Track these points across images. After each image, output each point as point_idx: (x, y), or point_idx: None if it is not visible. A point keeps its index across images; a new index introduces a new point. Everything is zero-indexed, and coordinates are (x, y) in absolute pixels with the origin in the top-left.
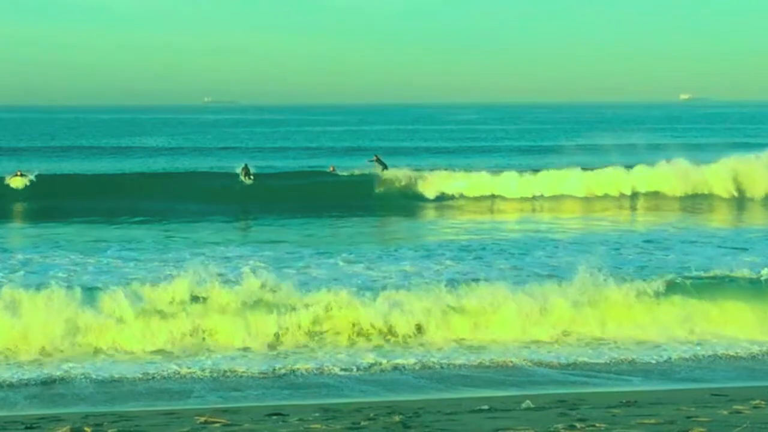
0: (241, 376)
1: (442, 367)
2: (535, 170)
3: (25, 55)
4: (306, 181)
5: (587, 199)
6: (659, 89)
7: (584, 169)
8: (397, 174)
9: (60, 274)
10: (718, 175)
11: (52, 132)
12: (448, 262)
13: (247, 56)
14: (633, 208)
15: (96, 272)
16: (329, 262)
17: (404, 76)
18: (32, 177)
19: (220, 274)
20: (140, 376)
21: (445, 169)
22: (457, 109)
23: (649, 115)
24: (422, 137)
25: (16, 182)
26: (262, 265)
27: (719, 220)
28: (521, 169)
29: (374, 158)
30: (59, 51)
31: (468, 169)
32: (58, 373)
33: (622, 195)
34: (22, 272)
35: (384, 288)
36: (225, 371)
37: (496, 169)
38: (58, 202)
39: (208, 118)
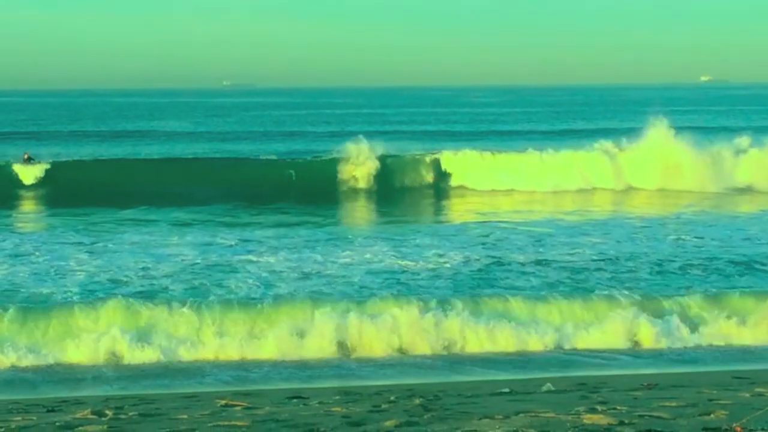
0: (261, 362)
1: (461, 351)
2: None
3: (41, 39)
4: (317, 166)
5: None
6: (679, 71)
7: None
8: (411, 158)
9: (70, 263)
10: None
11: (70, 116)
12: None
13: (266, 39)
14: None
15: (109, 264)
16: (342, 249)
17: (422, 59)
18: (46, 164)
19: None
20: (160, 360)
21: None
22: (475, 91)
23: (672, 97)
24: (442, 120)
25: (25, 172)
26: (284, 253)
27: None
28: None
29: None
30: (76, 35)
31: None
32: (78, 357)
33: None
34: (31, 264)
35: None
36: (244, 356)
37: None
38: (72, 188)
39: (226, 101)
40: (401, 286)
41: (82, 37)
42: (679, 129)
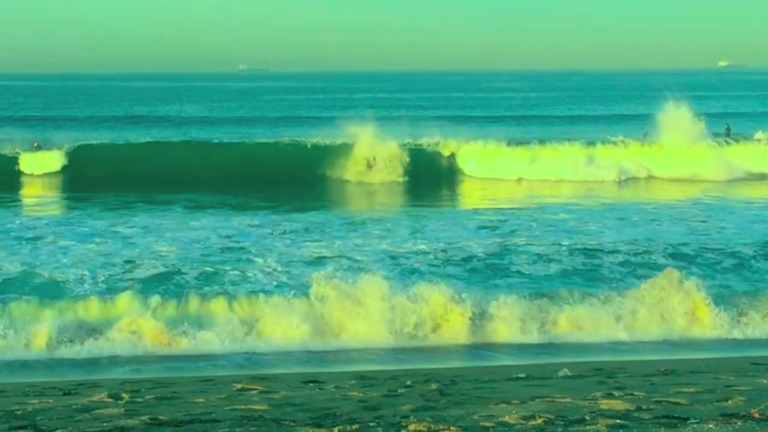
0: (276, 346)
1: (476, 337)
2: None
3: (57, 23)
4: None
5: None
6: (697, 56)
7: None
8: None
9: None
10: None
11: (87, 100)
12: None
13: (282, 23)
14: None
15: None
16: (355, 235)
17: (440, 44)
18: (56, 151)
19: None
20: (175, 345)
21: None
22: (495, 76)
23: (690, 82)
24: (459, 105)
25: (35, 159)
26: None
27: None
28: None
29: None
30: (92, 19)
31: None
32: (94, 340)
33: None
34: (45, 249)
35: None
36: (258, 341)
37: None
38: (84, 174)
39: (242, 86)
40: (415, 275)
41: (99, 21)
42: (697, 115)
